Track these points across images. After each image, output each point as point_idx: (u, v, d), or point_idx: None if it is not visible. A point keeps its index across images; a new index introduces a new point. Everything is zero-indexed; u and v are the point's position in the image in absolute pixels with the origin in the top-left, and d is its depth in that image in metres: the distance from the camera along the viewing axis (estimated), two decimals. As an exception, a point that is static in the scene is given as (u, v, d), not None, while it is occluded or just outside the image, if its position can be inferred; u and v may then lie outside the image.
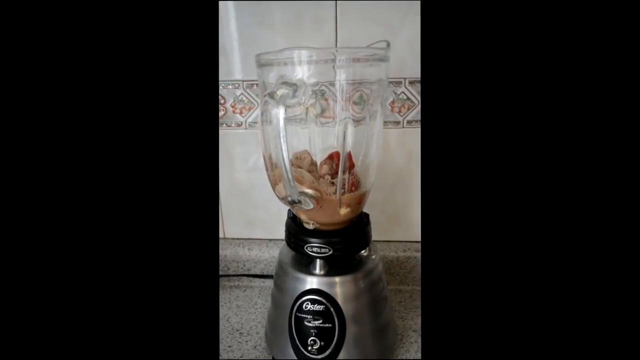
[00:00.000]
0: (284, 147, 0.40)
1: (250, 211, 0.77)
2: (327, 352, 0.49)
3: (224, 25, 0.67)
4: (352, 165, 0.50)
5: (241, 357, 0.57)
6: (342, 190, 0.49)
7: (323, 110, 0.57)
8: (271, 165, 0.45)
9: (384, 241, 0.74)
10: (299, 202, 0.45)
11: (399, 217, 0.74)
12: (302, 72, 0.44)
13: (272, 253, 0.75)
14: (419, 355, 0.56)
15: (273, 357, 0.55)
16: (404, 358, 0.56)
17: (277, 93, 0.40)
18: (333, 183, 0.49)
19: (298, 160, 0.51)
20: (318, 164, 0.53)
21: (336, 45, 0.66)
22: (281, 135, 0.40)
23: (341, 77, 0.46)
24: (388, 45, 0.47)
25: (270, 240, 0.77)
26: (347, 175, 0.49)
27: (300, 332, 0.50)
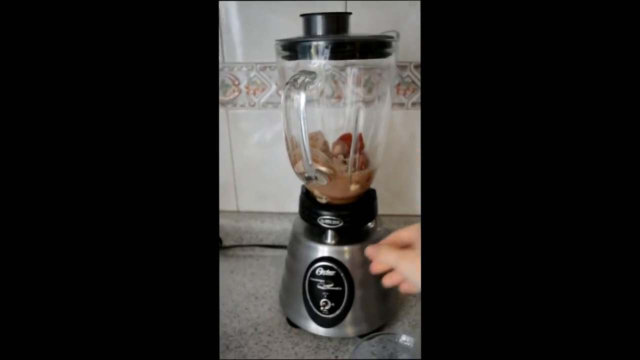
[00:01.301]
0: (304, 129, 0.45)
1: (262, 186, 0.82)
2: (337, 312, 0.55)
3: (240, 11, 0.70)
4: (362, 146, 0.55)
5: (257, 317, 0.63)
6: (353, 169, 0.54)
7: (334, 93, 0.61)
8: (292, 145, 0.50)
9: (387, 215, 0.80)
10: (316, 178, 0.50)
11: (401, 193, 0.79)
12: (319, 61, 0.48)
13: (283, 225, 0.80)
14: (417, 317, 0.62)
15: (287, 317, 0.61)
16: (405, 319, 0.62)
17: (298, 80, 0.45)
18: (345, 162, 0.54)
19: (312, 140, 0.56)
20: (330, 143, 0.57)
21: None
22: (302, 117, 0.44)
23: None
24: (398, 35, 0.51)
25: (281, 213, 0.83)
26: (357, 155, 0.54)
27: (313, 295, 0.56)
